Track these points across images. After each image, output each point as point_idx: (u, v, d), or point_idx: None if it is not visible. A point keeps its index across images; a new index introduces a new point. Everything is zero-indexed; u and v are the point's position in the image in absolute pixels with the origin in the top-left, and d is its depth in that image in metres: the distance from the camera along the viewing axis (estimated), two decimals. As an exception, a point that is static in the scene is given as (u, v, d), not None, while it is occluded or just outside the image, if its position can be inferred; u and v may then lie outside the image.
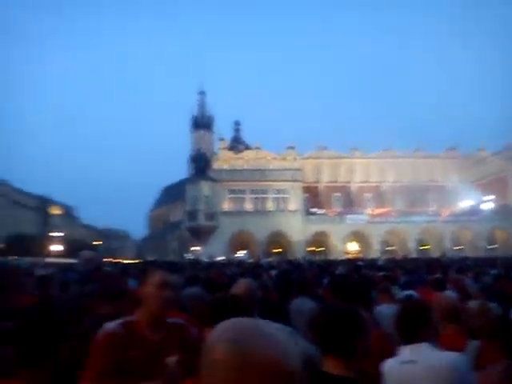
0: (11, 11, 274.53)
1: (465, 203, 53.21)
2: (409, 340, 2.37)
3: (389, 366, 2.38)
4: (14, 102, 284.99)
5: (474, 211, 50.59)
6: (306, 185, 52.74)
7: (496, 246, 48.23)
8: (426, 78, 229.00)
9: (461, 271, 9.79)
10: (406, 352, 2.35)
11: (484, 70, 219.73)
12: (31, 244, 54.23)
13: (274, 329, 0.75)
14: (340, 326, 1.91)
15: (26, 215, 76.17)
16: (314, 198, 55.07)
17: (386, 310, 3.87)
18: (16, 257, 42.49)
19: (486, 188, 52.15)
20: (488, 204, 50.13)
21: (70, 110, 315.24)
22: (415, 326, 2.39)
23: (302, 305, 4.93)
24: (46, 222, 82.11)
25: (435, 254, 39.72)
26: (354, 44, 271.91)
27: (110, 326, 2.13)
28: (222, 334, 0.74)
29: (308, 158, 56.89)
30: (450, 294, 5.44)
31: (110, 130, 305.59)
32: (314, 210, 52.01)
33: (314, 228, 48.93)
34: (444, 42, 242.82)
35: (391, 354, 2.47)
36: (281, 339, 0.73)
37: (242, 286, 3.16)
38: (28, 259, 38.17)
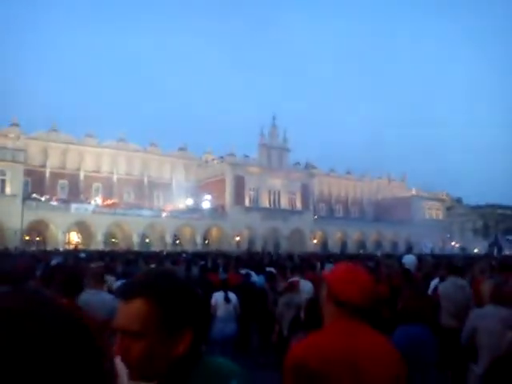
0: None
1: (187, 201, 57.77)
2: None
3: None
4: None
5: (194, 209, 55.37)
6: (28, 168, 48.05)
7: (208, 241, 54.26)
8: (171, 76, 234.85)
9: (176, 263, 10.82)
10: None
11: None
12: None
13: None
14: None
15: None
16: (37, 183, 50.75)
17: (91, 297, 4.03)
18: None
19: (207, 188, 57.89)
20: (206, 203, 55.67)
21: None
22: None
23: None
24: None
25: (157, 248, 41.87)
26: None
27: None
28: None
29: (34, 139, 52.26)
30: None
31: None
32: (35, 196, 47.69)
33: (34, 215, 44.71)
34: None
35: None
36: None
37: None
38: None
